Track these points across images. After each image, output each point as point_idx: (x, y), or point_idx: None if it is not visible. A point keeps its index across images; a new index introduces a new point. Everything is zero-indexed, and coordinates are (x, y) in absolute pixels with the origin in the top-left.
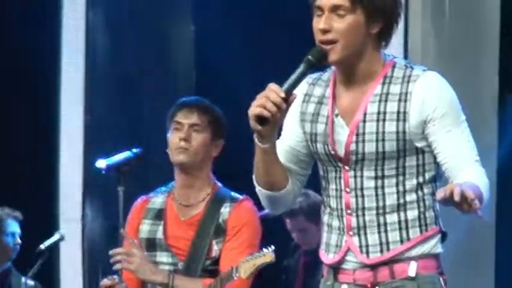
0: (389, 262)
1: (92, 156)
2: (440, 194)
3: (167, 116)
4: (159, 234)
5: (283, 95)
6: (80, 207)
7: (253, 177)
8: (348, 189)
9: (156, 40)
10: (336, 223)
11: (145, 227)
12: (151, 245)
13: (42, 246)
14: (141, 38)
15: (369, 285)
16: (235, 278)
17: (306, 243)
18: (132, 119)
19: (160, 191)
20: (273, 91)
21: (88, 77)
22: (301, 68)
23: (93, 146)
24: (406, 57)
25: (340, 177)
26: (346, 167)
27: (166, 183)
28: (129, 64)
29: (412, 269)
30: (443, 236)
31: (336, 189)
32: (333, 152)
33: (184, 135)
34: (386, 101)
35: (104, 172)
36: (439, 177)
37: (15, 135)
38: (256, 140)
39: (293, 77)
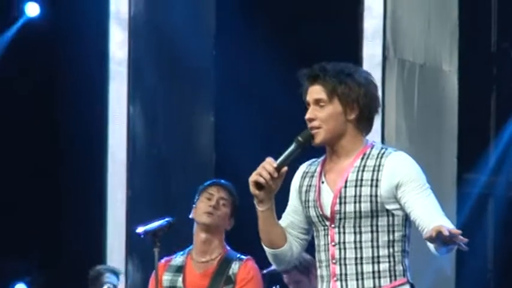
0: None
1: (132, 224)
2: (428, 234)
3: (198, 190)
4: (179, 283)
5: (275, 165)
6: (123, 264)
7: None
8: (333, 243)
9: (183, 128)
10: (324, 273)
11: (167, 278)
12: None
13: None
14: (171, 127)
15: None
16: None
17: None
18: (164, 192)
19: (179, 254)
20: (268, 163)
21: (129, 158)
22: (292, 146)
23: (134, 215)
24: (382, 142)
25: (327, 234)
26: (332, 225)
27: (187, 245)
28: (161, 147)
29: None
30: (411, 287)
31: (324, 244)
32: (321, 213)
33: (214, 203)
34: (363, 171)
35: (142, 236)
36: (407, 239)
37: (70, 209)
38: (255, 204)
39: (285, 153)
